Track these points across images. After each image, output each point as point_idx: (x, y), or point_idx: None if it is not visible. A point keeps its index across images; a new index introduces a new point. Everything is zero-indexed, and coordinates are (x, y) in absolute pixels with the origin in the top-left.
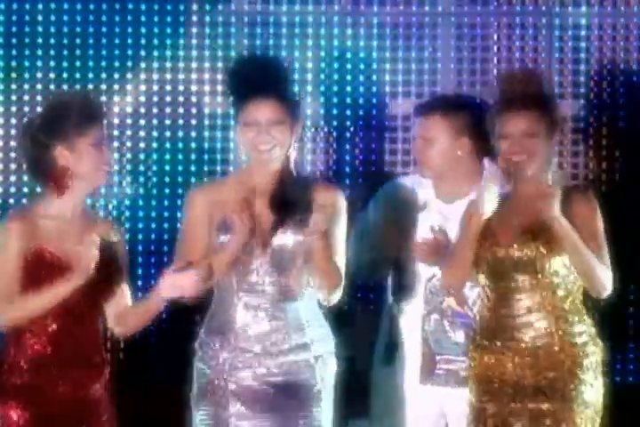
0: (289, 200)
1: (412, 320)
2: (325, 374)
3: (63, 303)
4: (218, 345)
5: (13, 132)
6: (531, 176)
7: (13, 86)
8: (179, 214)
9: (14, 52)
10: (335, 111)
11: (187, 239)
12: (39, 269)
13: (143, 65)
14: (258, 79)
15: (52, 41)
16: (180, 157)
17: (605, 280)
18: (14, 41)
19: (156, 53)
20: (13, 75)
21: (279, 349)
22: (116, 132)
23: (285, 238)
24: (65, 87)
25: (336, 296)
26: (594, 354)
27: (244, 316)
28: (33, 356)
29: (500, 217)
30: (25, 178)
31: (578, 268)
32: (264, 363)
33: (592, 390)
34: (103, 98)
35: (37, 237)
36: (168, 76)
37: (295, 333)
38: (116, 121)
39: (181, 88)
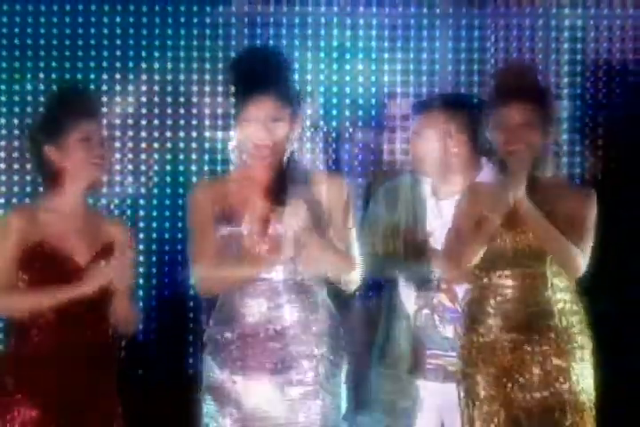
0: (286, 191)
1: (405, 316)
2: (332, 367)
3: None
4: (224, 337)
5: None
6: (528, 167)
7: (16, 87)
8: (180, 213)
9: (17, 54)
10: (334, 112)
11: (197, 235)
12: (37, 261)
13: (144, 66)
14: (258, 75)
15: (55, 42)
16: (182, 156)
17: (575, 262)
18: (17, 42)
19: (156, 54)
20: (17, 76)
21: (285, 340)
22: (117, 133)
23: (281, 228)
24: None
25: (353, 278)
26: (589, 343)
27: (249, 307)
28: (35, 349)
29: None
30: (27, 177)
31: (548, 248)
32: (270, 356)
33: (589, 378)
34: (104, 98)
35: (37, 231)
36: (169, 76)
37: (301, 324)
38: (117, 121)
39: (182, 89)
